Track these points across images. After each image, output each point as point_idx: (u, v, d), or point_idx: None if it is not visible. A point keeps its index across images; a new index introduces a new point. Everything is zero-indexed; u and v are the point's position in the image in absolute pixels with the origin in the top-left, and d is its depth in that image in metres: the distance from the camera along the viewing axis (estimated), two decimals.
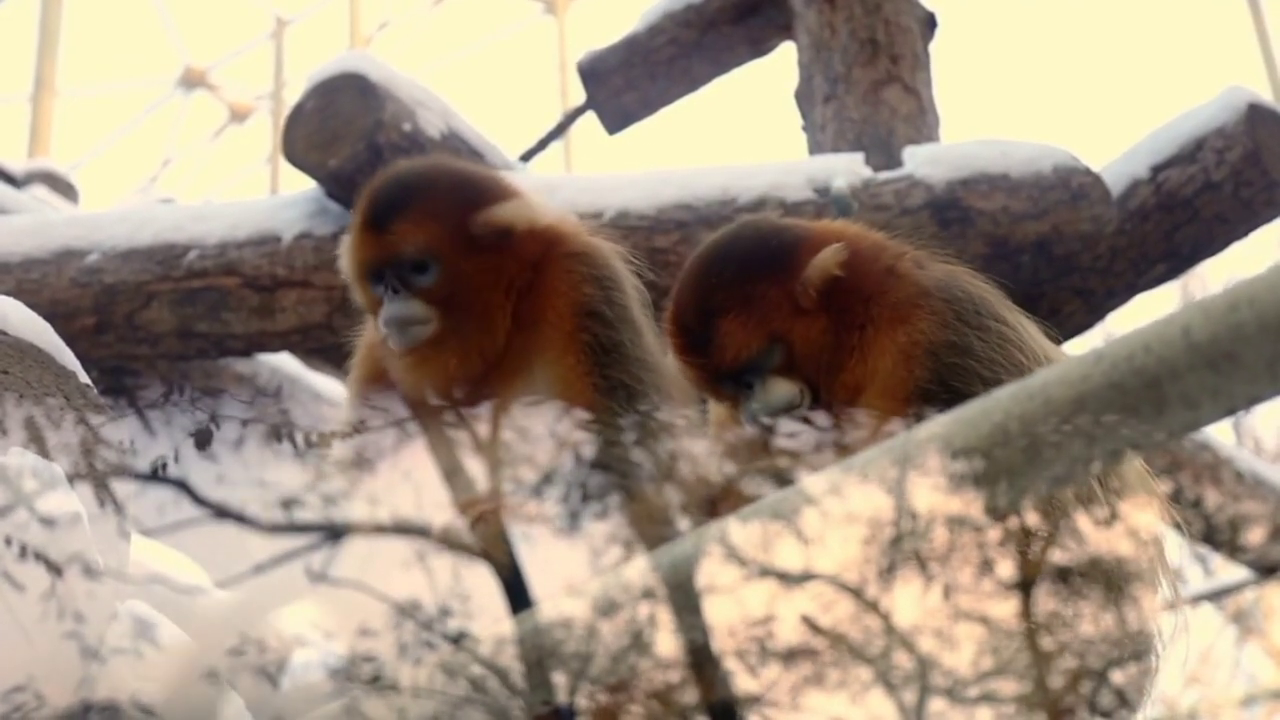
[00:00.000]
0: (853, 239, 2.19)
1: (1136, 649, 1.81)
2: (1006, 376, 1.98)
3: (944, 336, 2.04)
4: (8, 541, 1.58)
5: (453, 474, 1.69)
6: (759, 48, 4.24)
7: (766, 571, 1.38)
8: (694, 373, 2.14)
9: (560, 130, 4.55)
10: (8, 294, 2.21)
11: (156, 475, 1.48)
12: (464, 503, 1.69)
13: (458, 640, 1.44)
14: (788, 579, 1.37)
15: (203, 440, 1.50)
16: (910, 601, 1.34)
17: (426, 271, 2.14)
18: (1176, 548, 2.06)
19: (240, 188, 12.12)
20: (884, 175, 3.41)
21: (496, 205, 2.20)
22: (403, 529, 1.49)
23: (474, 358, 2.15)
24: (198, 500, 1.45)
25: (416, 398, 2.12)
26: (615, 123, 4.33)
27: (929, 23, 4.03)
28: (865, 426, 1.91)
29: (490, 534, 1.56)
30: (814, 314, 2.11)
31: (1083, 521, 1.55)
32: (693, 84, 4.28)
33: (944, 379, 2.00)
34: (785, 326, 2.11)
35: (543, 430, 1.54)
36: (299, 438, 1.54)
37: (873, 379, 2.07)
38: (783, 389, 2.10)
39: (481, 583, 1.49)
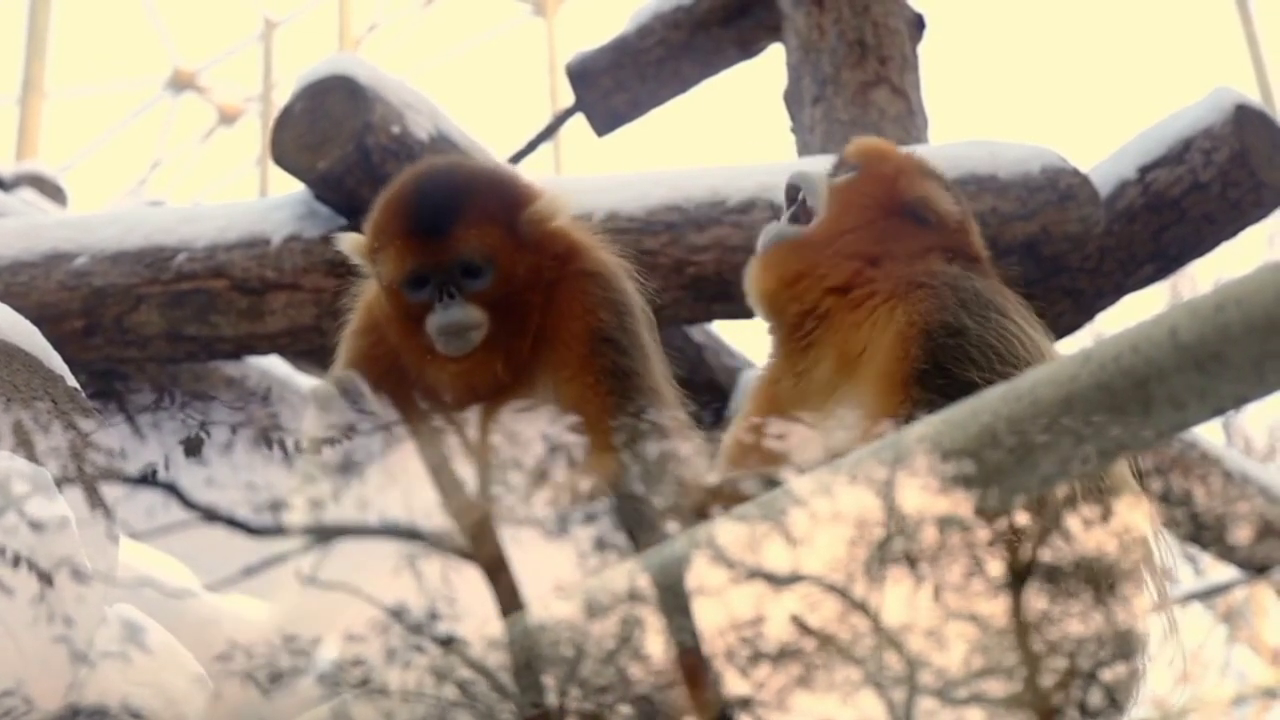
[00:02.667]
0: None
1: (1124, 649, 1.81)
2: (1001, 365, 1.99)
3: (940, 319, 2.04)
4: None
5: (445, 477, 1.69)
6: (748, 49, 4.24)
7: (756, 573, 1.38)
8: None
9: (549, 132, 4.55)
10: None
11: (145, 479, 1.48)
12: (457, 509, 1.68)
13: (447, 643, 1.44)
14: (778, 580, 1.37)
15: (192, 449, 1.50)
16: (899, 602, 1.34)
17: (480, 275, 2.11)
18: (1166, 547, 2.06)
19: (229, 190, 12.11)
20: None
21: (536, 204, 2.18)
22: (392, 531, 1.48)
23: (512, 360, 2.13)
24: (187, 503, 1.45)
25: (438, 400, 2.10)
26: (604, 124, 4.32)
27: (917, 24, 4.03)
28: (857, 406, 1.93)
29: (482, 538, 1.56)
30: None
31: (1069, 521, 1.56)
32: (682, 85, 4.28)
33: (938, 361, 2.00)
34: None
35: (536, 435, 1.54)
36: (289, 443, 1.54)
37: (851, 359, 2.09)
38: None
39: (470, 585, 1.49)
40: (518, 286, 2.13)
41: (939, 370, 1.98)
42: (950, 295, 2.06)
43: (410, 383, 2.14)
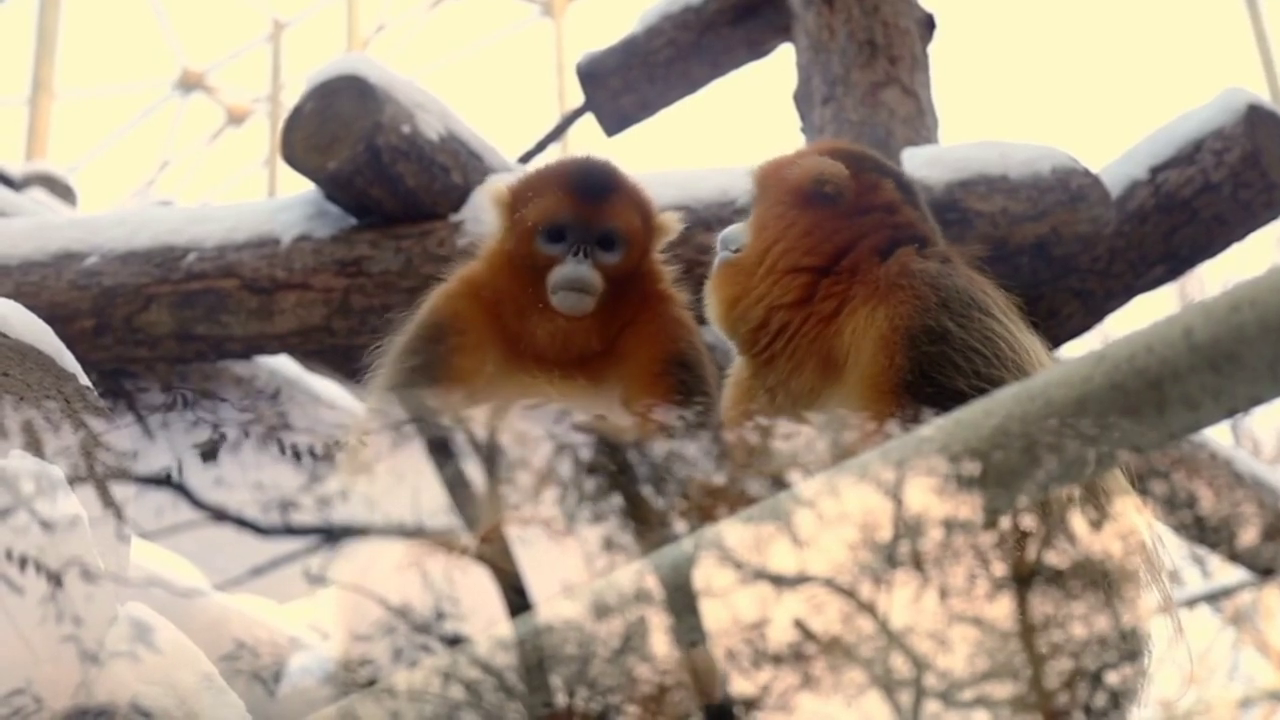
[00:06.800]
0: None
1: (1124, 651, 1.80)
2: (986, 368, 1.98)
3: (922, 323, 2.03)
4: (8, 548, 1.58)
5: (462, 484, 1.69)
6: (757, 49, 4.23)
7: (764, 575, 1.38)
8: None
9: (558, 132, 4.55)
10: (7, 297, 2.21)
11: (156, 479, 1.48)
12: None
13: (456, 643, 1.44)
14: (787, 582, 1.37)
15: (209, 454, 1.50)
16: (911, 604, 1.34)
17: (613, 249, 2.33)
18: (1172, 549, 2.06)
19: (238, 190, 12.13)
20: None
21: (662, 215, 2.42)
22: (401, 531, 1.48)
23: (603, 339, 2.31)
24: (196, 503, 1.45)
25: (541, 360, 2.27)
26: (614, 125, 4.32)
27: (927, 24, 4.03)
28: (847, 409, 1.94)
29: (495, 542, 1.55)
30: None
31: (1075, 523, 1.55)
32: (691, 86, 4.28)
33: (924, 370, 2.00)
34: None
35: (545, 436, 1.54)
36: (304, 449, 1.53)
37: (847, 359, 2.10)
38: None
39: (478, 585, 1.48)
40: (632, 276, 2.35)
41: (925, 379, 1.98)
42: (931, 295, 2.06)
43: (503, 343, 2.31)
